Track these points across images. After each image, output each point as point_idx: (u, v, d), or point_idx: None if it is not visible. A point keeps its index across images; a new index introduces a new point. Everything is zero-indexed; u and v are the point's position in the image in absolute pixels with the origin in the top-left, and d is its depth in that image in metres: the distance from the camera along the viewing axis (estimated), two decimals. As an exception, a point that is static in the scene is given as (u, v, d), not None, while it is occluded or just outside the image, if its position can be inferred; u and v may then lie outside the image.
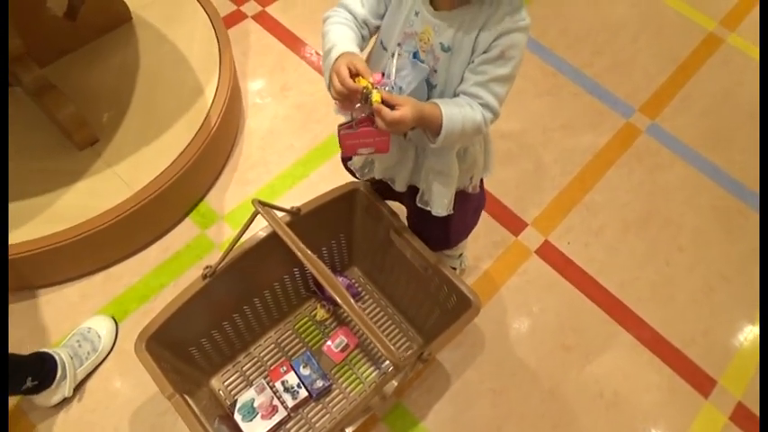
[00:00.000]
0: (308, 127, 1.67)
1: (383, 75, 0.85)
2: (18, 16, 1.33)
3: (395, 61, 0.87)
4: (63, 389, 1.20)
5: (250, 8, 1.92)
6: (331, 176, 1.58)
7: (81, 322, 1.30)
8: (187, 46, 1.59)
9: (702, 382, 1.35)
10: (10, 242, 1.26)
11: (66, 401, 1.23)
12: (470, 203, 1.17)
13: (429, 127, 0.87)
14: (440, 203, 1.04)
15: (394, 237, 1.20)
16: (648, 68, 1.90)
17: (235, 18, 1.89)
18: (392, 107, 0.81)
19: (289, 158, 1.62)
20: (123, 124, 1.45)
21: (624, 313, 1.43)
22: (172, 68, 1.55)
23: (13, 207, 1.31)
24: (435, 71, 0.89)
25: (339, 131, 0.88)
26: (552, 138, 1.72)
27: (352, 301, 0.93)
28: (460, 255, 1.41)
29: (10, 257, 1.26)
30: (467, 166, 1.04)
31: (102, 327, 1.30)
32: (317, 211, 1.17)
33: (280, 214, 1.04)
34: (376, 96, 0.80)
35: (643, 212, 1.60)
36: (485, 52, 0.84)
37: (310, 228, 1.11)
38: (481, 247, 1.50)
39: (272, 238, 1.10)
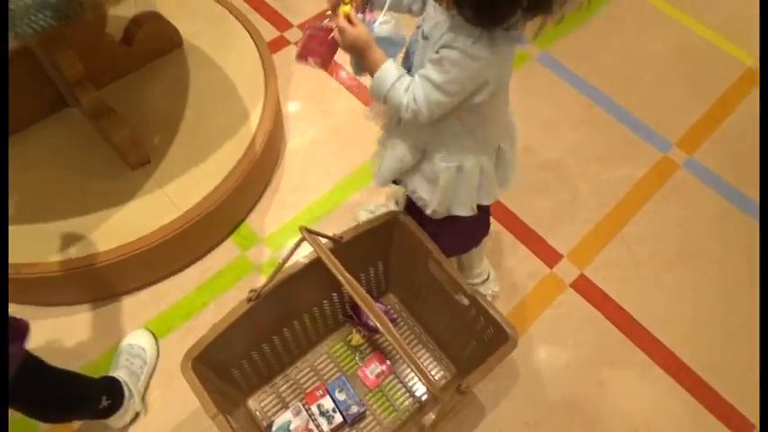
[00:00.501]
0: (345, 152, 1.71)
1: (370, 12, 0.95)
2: (80, 42, 1.40)
3: (384, 10, 0.95)
4: (134, 405, 1.24)
5: (293, 35, 1.98)
6: (367, 203, 1.60)
7: (129, 338, 1.34)
8: (235, 72, 1.64)
9: (740, 426, 1.33)
10: (66, 258, 1.32)
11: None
12: (459, 226, 1.17)
13: (367, 66, 0.95)
14: (430, 206, 1.10)
15: (431, 265, 1.22)
16: (685, 102, 1.89)
17: (278, 44, 1.95)
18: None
19: (327, 183, 1.65)
20: (173, 146, 1.50)
21: (660, 350, 1.42)
22: (220, 93, 1.60)
23: (68, 224, 1.37)
24: (414, 53, 0.97)
25: (307, 30, 0.96)
26: (588, 169, 1.73)
27: (392, 328, 0.95)
28: (484, 281, 1.41)
29: (64, 273, 1.31)
30: (463, 182, 1.07)
31: (142, 340, 1.34)
32: (358, 238, 1.20)
33: (323, 241, 1.07)
34: (344, 8, 0.91)
35: (680, 248, 1.59)
36: (436, 52, 0.90)
37: (350, 254, 1.13)
38: (516, 277, 1.50)
39: (315, 263, 1.13)
